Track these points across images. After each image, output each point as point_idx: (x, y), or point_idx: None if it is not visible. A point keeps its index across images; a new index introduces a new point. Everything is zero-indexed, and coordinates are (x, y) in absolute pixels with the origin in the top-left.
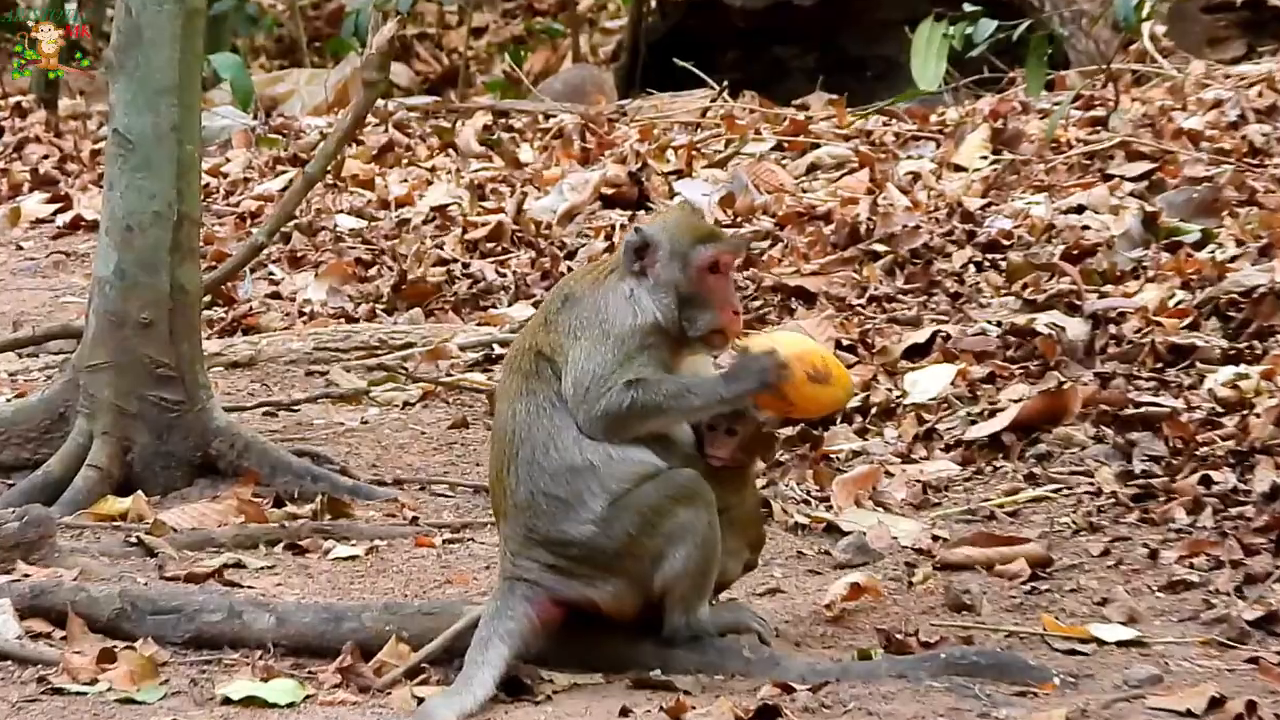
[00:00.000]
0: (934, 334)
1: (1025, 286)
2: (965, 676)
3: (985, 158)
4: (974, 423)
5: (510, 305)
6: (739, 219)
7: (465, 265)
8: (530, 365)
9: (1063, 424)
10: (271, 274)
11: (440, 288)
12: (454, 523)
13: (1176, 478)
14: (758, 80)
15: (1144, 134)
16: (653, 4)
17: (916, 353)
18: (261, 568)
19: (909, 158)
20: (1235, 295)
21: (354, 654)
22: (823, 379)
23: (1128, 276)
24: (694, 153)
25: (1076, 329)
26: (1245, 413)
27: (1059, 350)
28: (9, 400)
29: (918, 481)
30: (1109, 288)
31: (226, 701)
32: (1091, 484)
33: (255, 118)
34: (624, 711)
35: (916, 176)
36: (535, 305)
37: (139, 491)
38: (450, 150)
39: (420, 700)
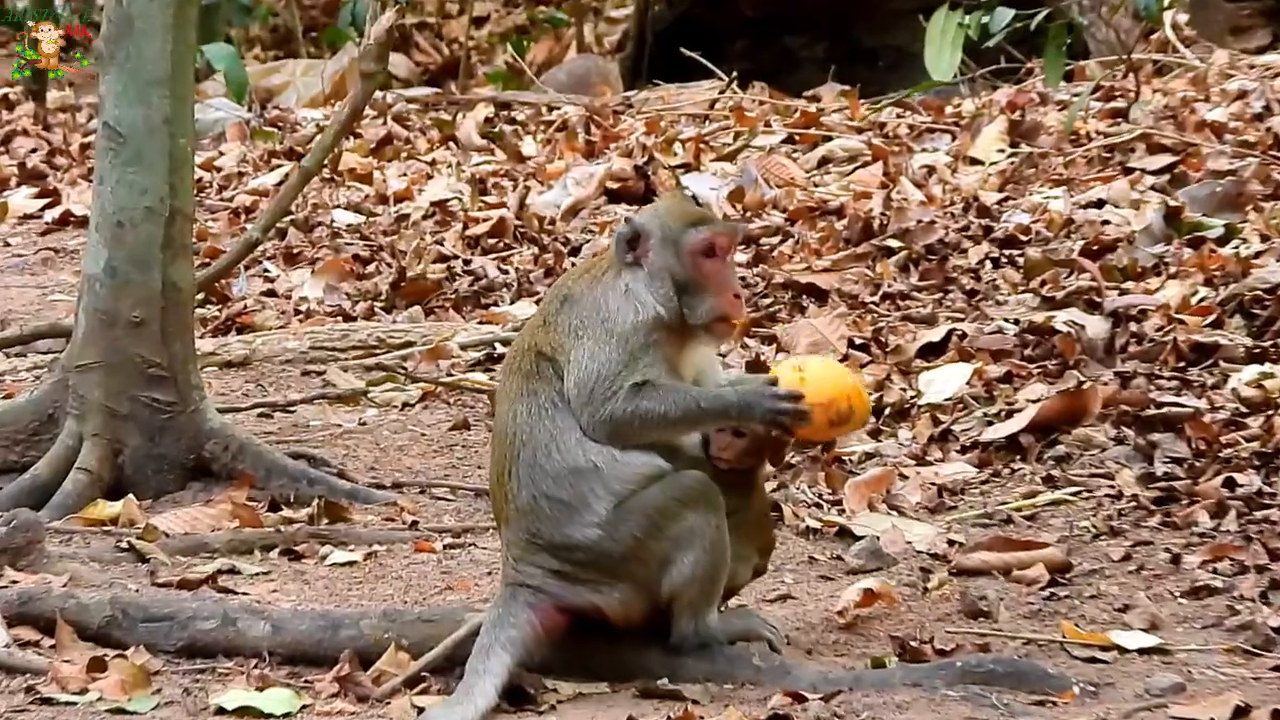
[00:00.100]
0: (949, 332)
1: (1043, 283)
2: (982, 685)
3: (1002, 151)
4: (991, 424)
5: (512, 303)
6: (748, 214)
7: (466, 262)
8: (531, 365)
9: (1082, 425)
10: (267, 271)
11: (440, 285)
12: (455, 527)
13: (1199, 480)
14: (767, 71)
15: (1166, 126)
16: None
17: (931, 352)
18: (256, 574)
19: (924, 151)
20: (1260, 292)
21: (352, 662)
22: (843, 421)
23: (1149, 273)
24: (702, 146)
25: (1096, 327)
26: (1270, 413)
27: (1078, 349)
28: None
29: (933, 484)
30: (1129, 284)
31: (220, 712)
32: (1112, 487)
33: (250, 110)
34: None
35: (931, 170)
36: (538, 303)
37: (130, 495)
38: (451, 143)
39: (420, 710)
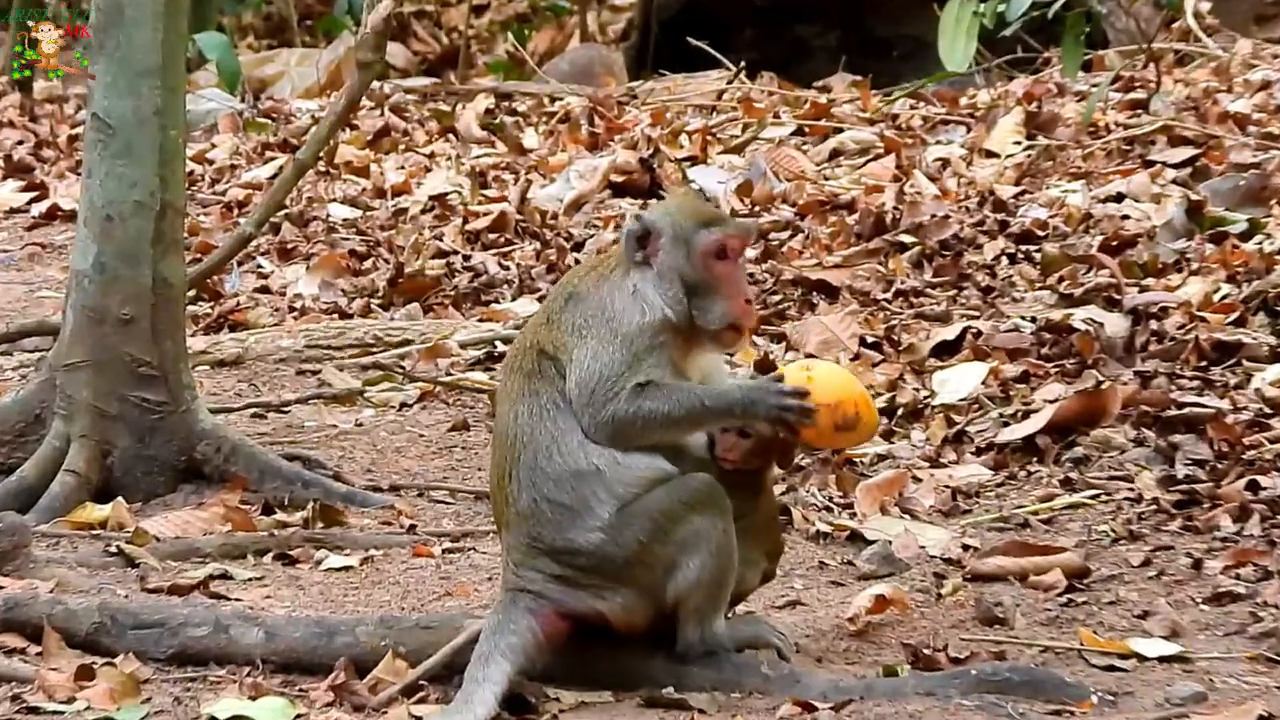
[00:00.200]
0: (964, 330)
1: (1061, 280)
2: (997, 694)
3: (1018, 143)
4: (1007, 425)
5: (514, 300)
6: (757, 208)
7: (466, 258)
8: (533, 365)
9: (1101, 426)
10: (260, 267)
11: (439, 281)
12: (454, 531)
13: (1222, 483)
14: (777, 60)
15: (1187, 117)
16: None
17: (946, 350)
18: (249, 579)
19: (938, 143)
20: None
21: (348, 671)
22: (850, 426)
23: (1170, 269)
24: (709, 138)
25: (1115, 325)
26: None
27: (1097, 348)
28: None
29: (947, 487)
30: (1150, 281)
31: None
32: (1131, 490)
33: (243, 101)
34: None
35: (946, 163)
36: (540, 300)
37: (119, 498)
38: (450, 135)
39: None
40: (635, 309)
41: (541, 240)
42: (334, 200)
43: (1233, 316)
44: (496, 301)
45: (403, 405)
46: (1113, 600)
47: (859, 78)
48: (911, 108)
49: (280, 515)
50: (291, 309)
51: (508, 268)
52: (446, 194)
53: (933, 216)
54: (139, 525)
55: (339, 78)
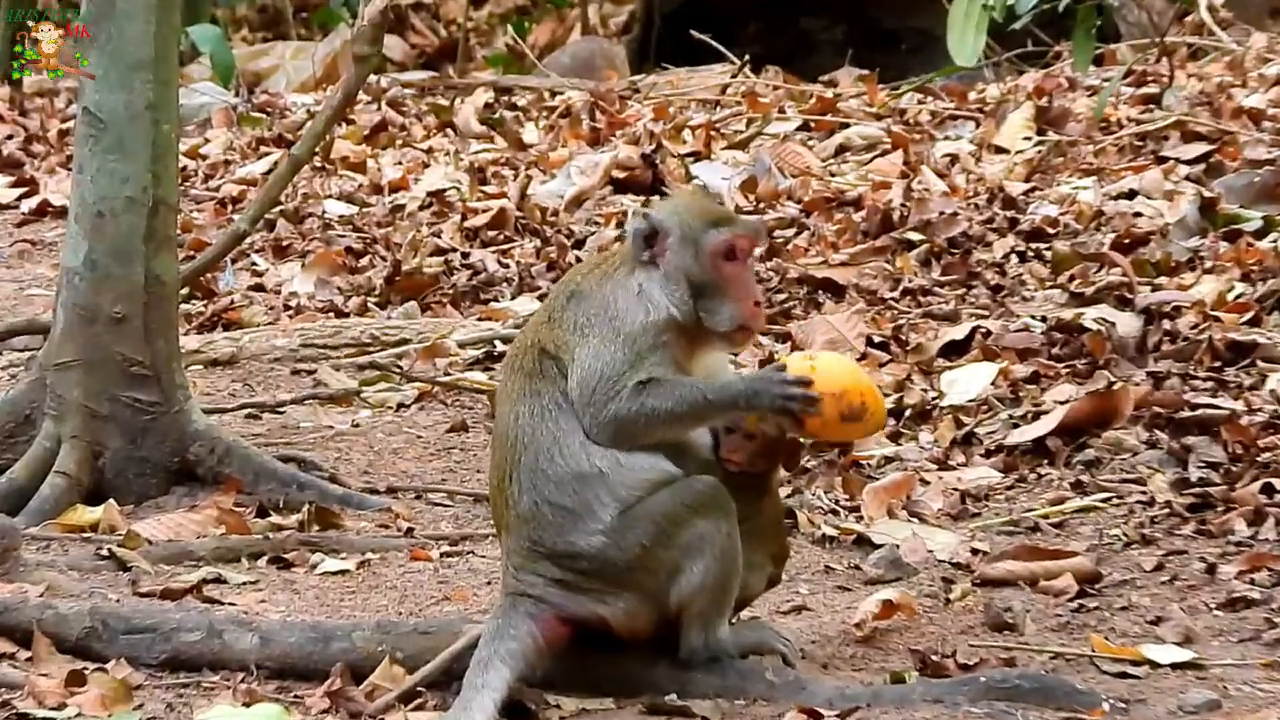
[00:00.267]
0: (973, 330)
1: (1072, 278)
2: (1007, 701)
3: (1029, 139)
4: (1016, 426)
5: (513, 298)
6: (761, 205)
7: (465, 255)
8: (534, 364)
9: (1113, 428)
10: (254, 264)
11: (437, 279)
12: (452, 534)
13: (1236, 486)
14: (782, 54)
15: (1201, 113)
16: None
17: (954, 350)
18: (244, 583)
19: (946, 138)
20: None
21: (344, 676)
22: (856, 417)
23: (1183, 268)
24: (713, 133)
25: (1128, 324)
26: None
27: (1109, 348)
28: None
29: (955, 490)
30: (1163, 280)
31: None
32: (1144, 493)
33: (237, 95)
34: None
35: (954, 159)
36: (540, 298)
37: (111, 500)
38: (448, 130)
39: None
40: (640, 308)
41: (542, 237)
42: (330, 196)
43: (1247, 316)
44: (496, 300)
45: (400, 406)
46: (1125, 606)
47: (865, 72)
48: (919, 103)
49: (275, 518)
50: (286, 307)
51: (507, 265)
52: (445, 190)
53: (941, 213)
54: (131, 528)
55: (335, 71)
